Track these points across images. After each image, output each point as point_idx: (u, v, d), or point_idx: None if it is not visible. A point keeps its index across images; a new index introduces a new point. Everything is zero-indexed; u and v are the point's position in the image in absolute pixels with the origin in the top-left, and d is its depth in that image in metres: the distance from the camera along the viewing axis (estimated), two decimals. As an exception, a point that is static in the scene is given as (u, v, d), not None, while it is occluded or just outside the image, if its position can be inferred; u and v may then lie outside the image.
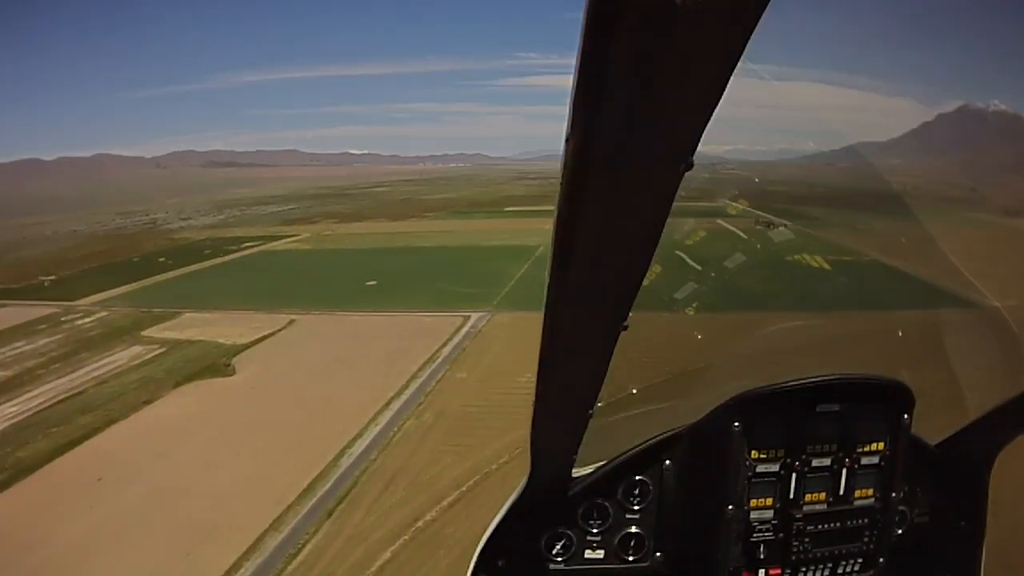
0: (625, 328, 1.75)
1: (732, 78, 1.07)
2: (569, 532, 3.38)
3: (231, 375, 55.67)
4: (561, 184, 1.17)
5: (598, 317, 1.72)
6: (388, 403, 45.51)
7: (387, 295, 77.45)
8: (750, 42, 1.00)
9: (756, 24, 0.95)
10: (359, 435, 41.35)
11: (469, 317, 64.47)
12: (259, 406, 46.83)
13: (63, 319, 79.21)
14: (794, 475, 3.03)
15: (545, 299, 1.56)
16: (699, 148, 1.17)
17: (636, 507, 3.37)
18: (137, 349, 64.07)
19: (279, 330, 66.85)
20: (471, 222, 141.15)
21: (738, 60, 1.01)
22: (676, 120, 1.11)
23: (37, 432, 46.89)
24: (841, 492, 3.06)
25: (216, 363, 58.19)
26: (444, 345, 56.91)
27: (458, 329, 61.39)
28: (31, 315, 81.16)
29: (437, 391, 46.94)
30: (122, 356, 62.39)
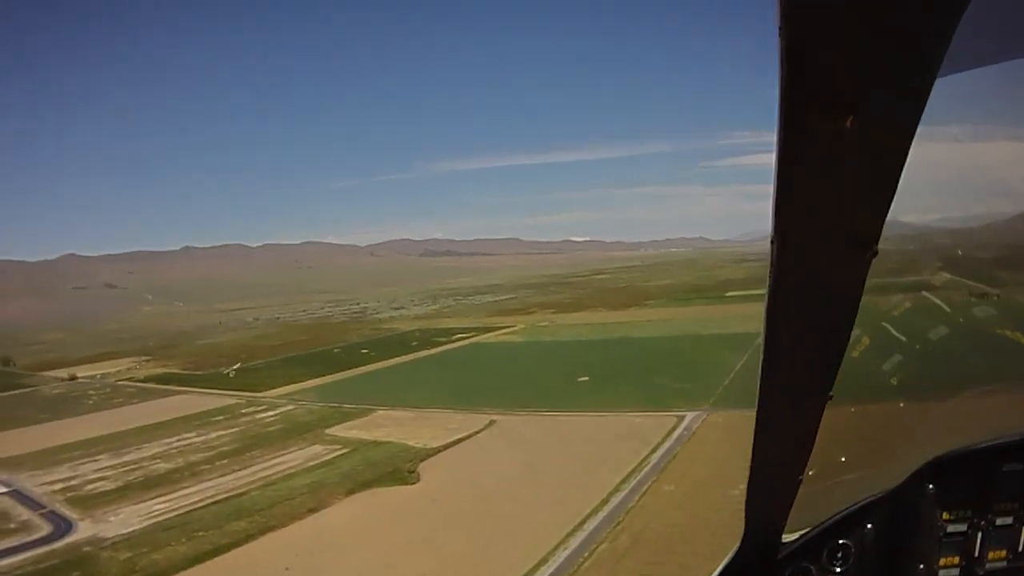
0: (830, 398, 2.06)
1: (928, 143, 1.42)
2: None
3: (413, 483, 49.43)
4: (769, 278, 1.55)
5: (805, 389, 2.04)
6: (583, 522, 39.34)
7: (598, 392, 70.59)
8: (943, 102, 1.31)
9: (920, 116, 1.16)
10: (543, 561, 35.49)
11: (683, 417, 57.96)
12: (436, 521, 40.99)
13: (243, 411, 78.61)
14: (980, 534, 3.21)
15: (759, 375, 1.91)
16: (901, 219, 1.51)
17: (838, 569, 3.45)
18: (317, 449, 58.95)
19: (476, 432, 60.78)
20: (691, 308, 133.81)
21: (908, 151, 1.23)
22: (859, 217, 1.41)
23: (180, 534, 42.16)
24: (1020, 548, 3.22)
25: (399, 468, 51.95)
26: (653, 451, 50.49)
27: (670, 432, 54.61)
28: (210, 404, 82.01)
29: (639, 507, 41.09)
30: (297, 456, 57.32)
